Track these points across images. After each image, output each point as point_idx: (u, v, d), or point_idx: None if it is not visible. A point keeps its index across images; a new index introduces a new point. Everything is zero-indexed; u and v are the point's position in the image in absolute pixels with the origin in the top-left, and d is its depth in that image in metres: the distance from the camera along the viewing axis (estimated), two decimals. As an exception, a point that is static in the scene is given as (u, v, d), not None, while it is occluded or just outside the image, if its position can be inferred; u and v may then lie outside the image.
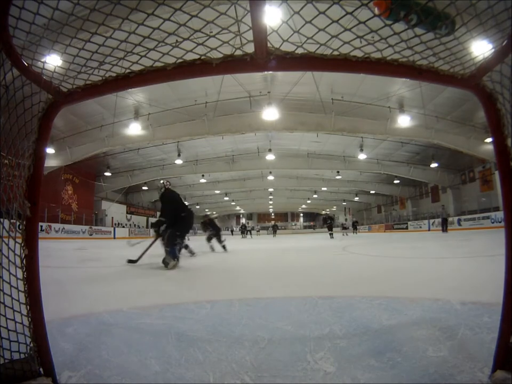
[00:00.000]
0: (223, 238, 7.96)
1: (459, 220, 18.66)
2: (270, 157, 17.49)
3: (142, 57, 0.94)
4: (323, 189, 29.44)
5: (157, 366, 1.15)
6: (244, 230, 25.94)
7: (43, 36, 0.89)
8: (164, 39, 0.90)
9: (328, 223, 17.49)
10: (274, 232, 27.05)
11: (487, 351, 1.09)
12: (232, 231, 40.49)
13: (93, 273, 3.98)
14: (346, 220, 26.39)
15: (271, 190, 31.32)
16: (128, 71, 0.96)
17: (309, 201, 38.48)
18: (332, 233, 16.49)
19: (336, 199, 36.31)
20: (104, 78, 0.98)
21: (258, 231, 37.68)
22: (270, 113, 12.08)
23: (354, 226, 26.69)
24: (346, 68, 0.94)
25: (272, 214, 52.77)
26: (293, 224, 53.87)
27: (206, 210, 45.08)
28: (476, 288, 2.28)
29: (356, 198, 33.94)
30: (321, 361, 1.14)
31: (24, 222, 1.01)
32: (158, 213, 5.31)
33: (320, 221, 56.11)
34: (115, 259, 5.52)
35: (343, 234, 22.37)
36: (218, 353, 1.25)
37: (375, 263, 4.53)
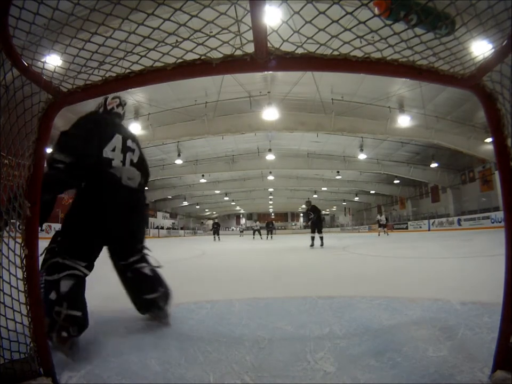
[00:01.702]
0: None
1: (459, 220, 18.65)
2: (270, 157, 17.49)
3: (142, 57, 0.94)
4: (323, 189, 29.44)
5: (157, 366, 1.15)
6: (216, 230, 19.04)
7: (43, 36, 0.89)
8: (164, 39, 0.90)
9: (311, 217, 8.71)
10: (270, 233, 18.53)
11: (487, 351, 1.09)
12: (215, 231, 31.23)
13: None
14: (381, 214, 19.26)
15: (271, 190, 31.32)
16: (128, 71, 0.96)
17: (309, 201, 38.51)
18: (321, 237, 8.40)
19: (336, 199, 36.34)
20: (104, 78, 0.98)
21: (242, 231, 28.47)
22: (270, 113, 12.07)
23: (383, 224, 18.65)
24: (346, 68, 0.94)
25: (272, 214, 52.79)
26: (293, 224, 53.89)
27: (206, 210, 45.26)
28: (476, 288, 2.28)
29: (356, 198, 33.95)
30: (321, 361, 1.14)
31: (24, 222, 1.01)
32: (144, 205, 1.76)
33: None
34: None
35: (379, 234, 17.29)
36: (219, 353, 1.25)
37: (375, 263, 4.53)
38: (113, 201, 1.47)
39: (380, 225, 18.36)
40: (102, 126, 1.53)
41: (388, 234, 17.89)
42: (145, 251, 1.73)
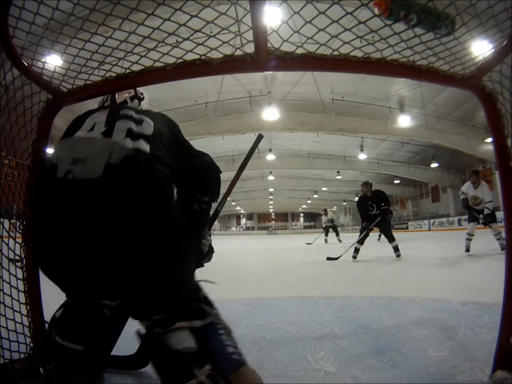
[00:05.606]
0: None
1: (459, 220, 18.62)
2: (270, 157, 17.49)
3: (142, 57, 0.95)
4: (323, 189, 29.42)
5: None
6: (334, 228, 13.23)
7: (43, 36, 0.90)
8: (164, 39, 0.91)
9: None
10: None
11: (487, 351, 1.09)
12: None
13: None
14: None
15: (271, 190, 31.29)
16: (128, 71, 0.96)
17: (309, 201, 38.47)
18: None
19: (336, 199, 36.29)
20: (104, 78, 0.98)
21: None
22: (270, 113, 12.07)
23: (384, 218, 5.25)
24: (346, 68, 0.94)
25: (273, 214, 52.76)
26: (293, 224, 53.87)
27: (206, 210, 45.02)
28: (476, 288, 2.27)
29: (356, 198, 33.88)
30: (321, 361, 1.14)
31: (24, 222, 1.01)
32: None
33: (320, 221, 55.53)
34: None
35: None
36: (219, 353, 1.24)
37: (375, 263, 4.52)
38: (37, 210, 0.84)
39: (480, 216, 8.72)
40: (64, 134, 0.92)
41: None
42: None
